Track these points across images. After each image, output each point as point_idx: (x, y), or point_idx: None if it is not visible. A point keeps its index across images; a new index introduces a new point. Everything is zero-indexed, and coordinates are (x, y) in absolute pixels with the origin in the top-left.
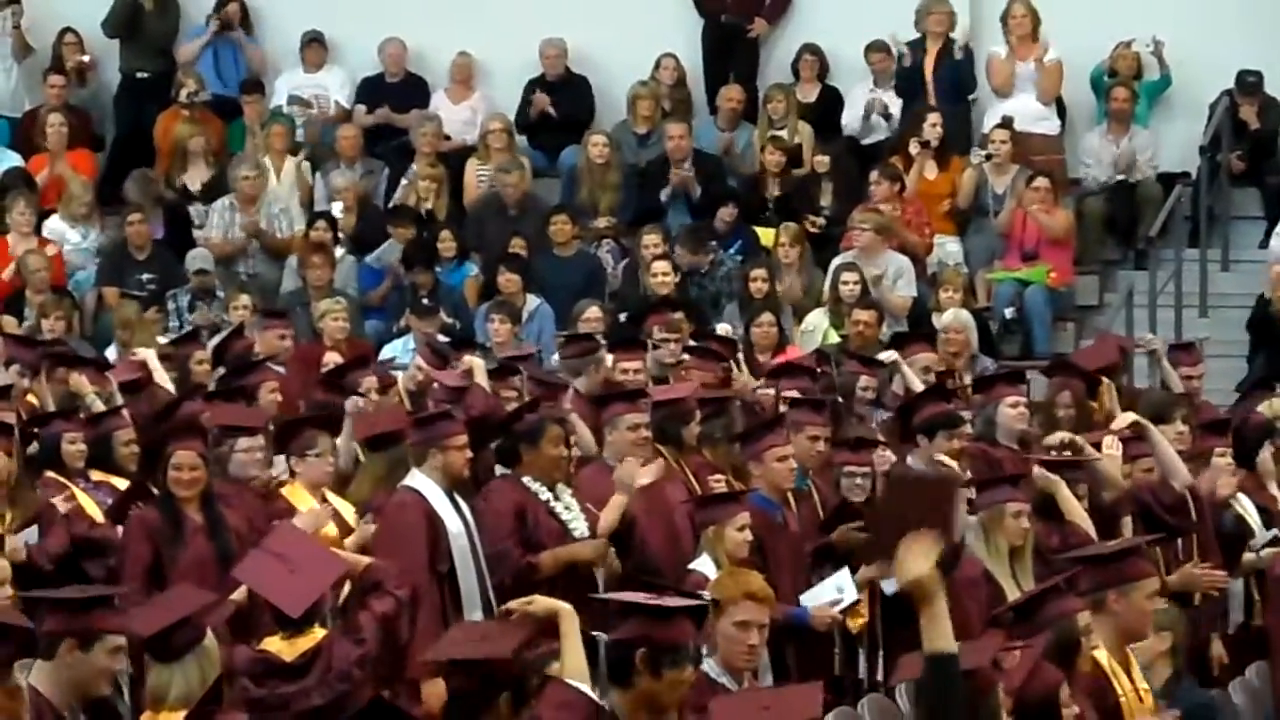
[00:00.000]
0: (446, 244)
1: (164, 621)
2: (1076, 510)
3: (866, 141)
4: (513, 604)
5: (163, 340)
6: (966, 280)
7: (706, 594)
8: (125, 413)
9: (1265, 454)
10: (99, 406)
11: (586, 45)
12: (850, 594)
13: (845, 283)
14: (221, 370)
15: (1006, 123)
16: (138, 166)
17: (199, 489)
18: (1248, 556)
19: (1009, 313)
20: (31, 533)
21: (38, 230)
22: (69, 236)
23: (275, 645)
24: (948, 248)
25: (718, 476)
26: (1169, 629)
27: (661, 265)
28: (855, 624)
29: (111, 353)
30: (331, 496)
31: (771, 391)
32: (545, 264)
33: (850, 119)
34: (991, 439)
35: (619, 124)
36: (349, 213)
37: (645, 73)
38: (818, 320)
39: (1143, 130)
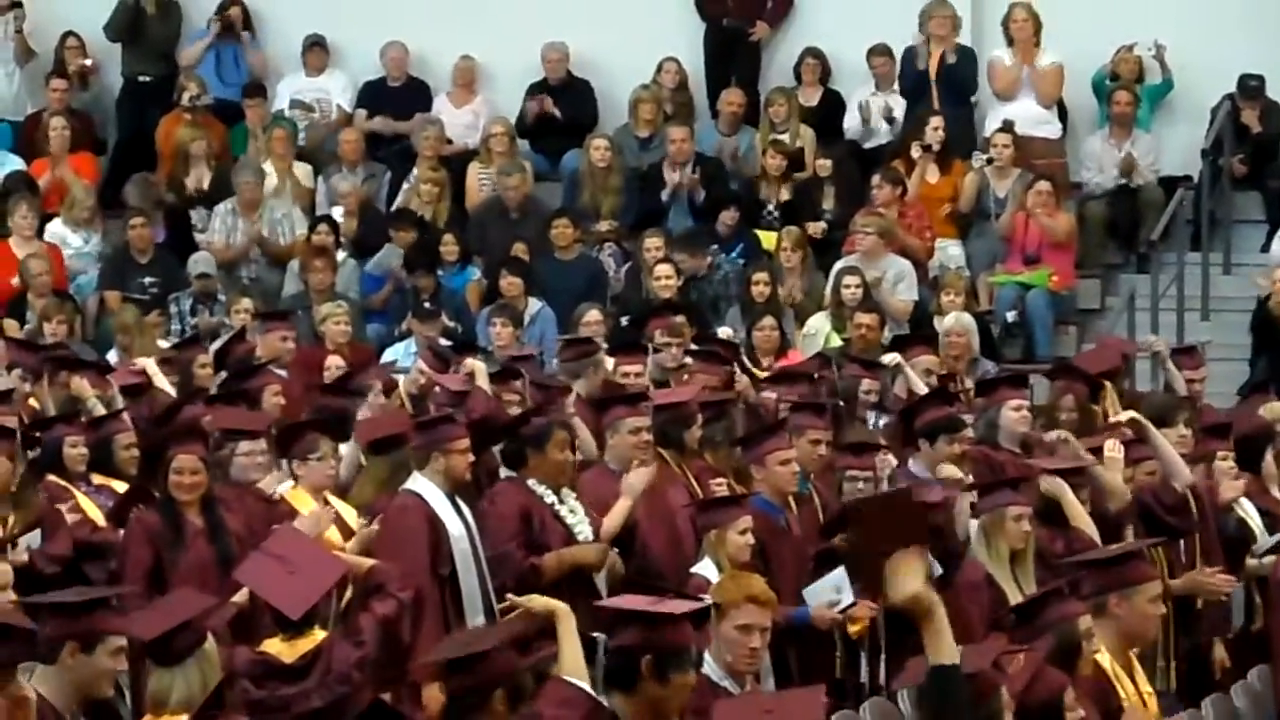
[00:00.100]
0: (449, 248)
1: (165, 625)
2: (1081, 515)
3: (868, 145)
4: (510, 599)
5: (164, 344)
6: (968, 284)
7: (707, 597)
8: (126, 416)
9: (1268, 458)
10: (100, 410)
11: (588, 49)
12: (847, 596)
13: (847, 286)
14: (223, 374)
15: (1008, 126)
16: (140, 170)
17: (200, 493)
18: (1250, 562)
19: (1010, 316)
20: (34, 537)
21: (40, 234)
22: (71, 240)
23: (275, 647)
24: (949, 251)
25: (719, 480)
26: None
27: (664, 269)
28: (856, 628)
29: (113, 356)
30: (334, 500)
31: (774, 394)
32: (547, 267)
33: (852, 122)
34: (994, 442)
35: (621, 127)
36: (350, 216)
37: (647, 76)
38: (819, 324)
39: (1144, 134)
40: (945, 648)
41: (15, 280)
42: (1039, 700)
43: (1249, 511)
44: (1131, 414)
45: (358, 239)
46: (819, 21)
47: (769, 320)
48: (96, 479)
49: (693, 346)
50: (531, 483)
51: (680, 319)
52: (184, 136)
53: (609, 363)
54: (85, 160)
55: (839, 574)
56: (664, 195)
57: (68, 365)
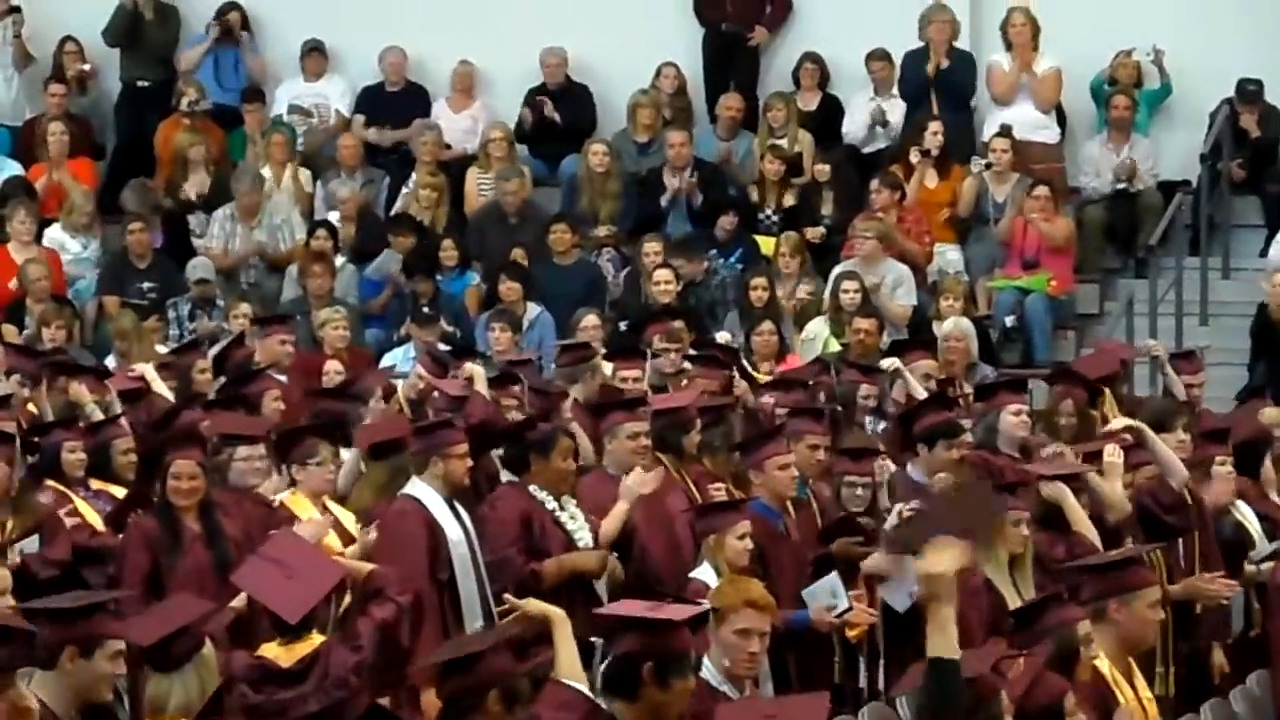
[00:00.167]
0: (448, 253)
1: (163, 631)
2: (1083, 520)
3: (867, 150)
4: (509, 599)
5: (163, 349)
6: (967, 288)
7: (705, 602)
8: (124, 422)
9: (1267, 463)
10: (98, 415)
11: (587, 54)
12: (842, 602)
13: (845, 291)
14: (222, 379)
15: (1006, 131)
16: (138, 175)
17: (197, 498)
18: (1248, 568)
19: (1009, 321)
20: (32, 542)
21: (38, 239)
22: (69, 245)
23: (273, 651)
24: (948, 256)
25: (718, 485)
26: None
27: (663, 274)
28: (854, 632)
29: (111, 362)
30: (333, 505)
31: (772, 400)
32: (545, 273)
33: (851, 127)
34: (993, 447)
35: (619, 132)
36: (348, 222)
37: (646, 81)
38: (818, 329)
39: (1143, 139)
40: (947, 642)
41: (14, 285)
42: (1039, 705)
43: (1247, 516)
44: (1127, 421)
45: (356, 244)
46: (818, 26)
47: (768, 325)
48: (95, 484)
49: (691, 351)
50: (533, 488)
51: (679, 324)
52: (182, 142)
53: (607, 368)
54: (84, 165)
55: (833, 578)
56: (664, 201)
57: (66, 370)
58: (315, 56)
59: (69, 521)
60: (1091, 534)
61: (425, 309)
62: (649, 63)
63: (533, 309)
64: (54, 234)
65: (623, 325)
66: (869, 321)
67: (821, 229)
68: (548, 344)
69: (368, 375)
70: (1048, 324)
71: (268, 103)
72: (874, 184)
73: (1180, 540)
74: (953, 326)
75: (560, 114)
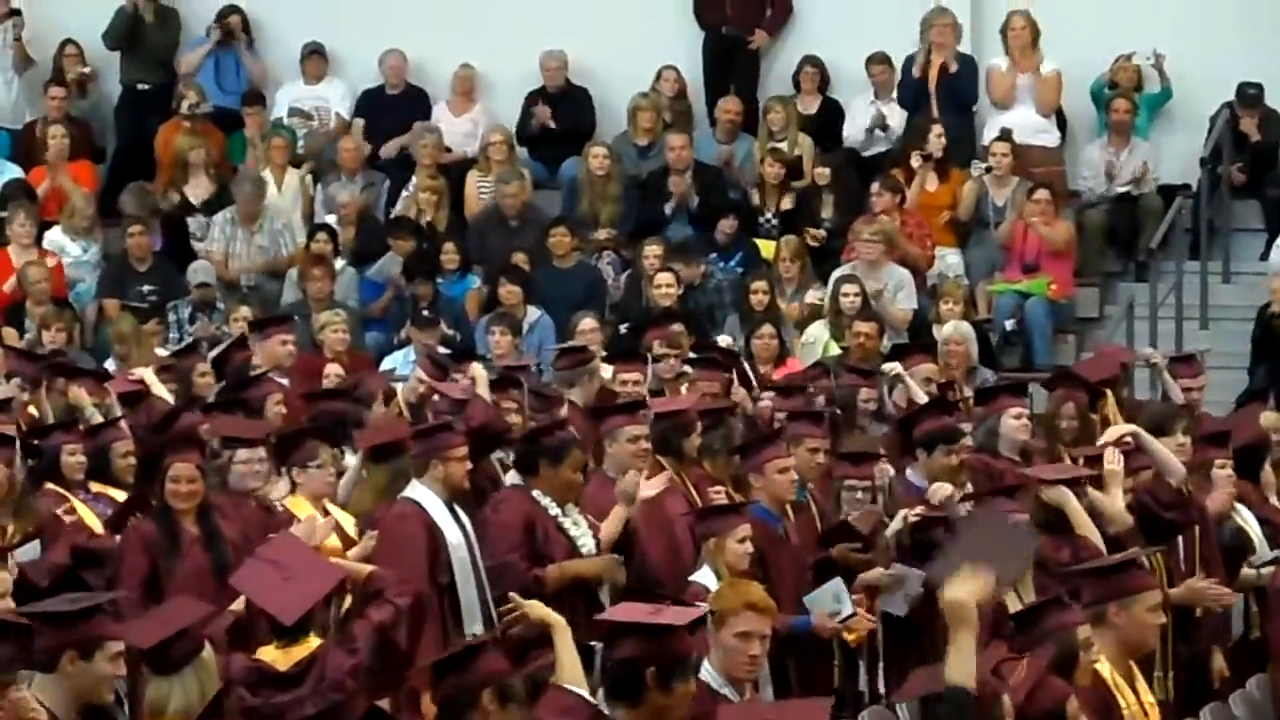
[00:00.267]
0: (449, 256)
1: (163, 634)
2: (1086, 524)
3: (867, 154)
4: (513, 598)
5: (163, 352)
6: (967, 292)
7: (703, 604)
8: (124, 424)
9: (1267, 467)
10: (98, 419)
11: (587, 57)
12: (846, 607)
13: (845, 295)
14: (223, 382)
15: (1006, 135)
16: (138, 178)
17: (196, 501)
18: (1247, 573)
19: (1009, 325)
20: (33, 548)
21: (38, 242)
22: (69, 249)
23: (270, 654)
24: (948, 260)
25: (718, 488)
26: None
27: (665, 277)
28: (854, 637)
29: (111, 365)
30: (333, 508)
31: (771, 404)
32: (545, 276)
33: (851, 131)
34: (993, 450)
35: (619, 135)
36: (348, 225)
37: (646, 84)
38: (818, 332)
39: (1143, 142)
40: (964, 668)
41: (13, 288)
42: (1042, 709)
43: (1248, 520)
44: (1124, 427)
45: (356, 247)
46: (818, 30)
47: (768, 329)
48: (94, 487)
49: (691, 355)
50: (537, 493)
51: (679, 328)
52: (183, 145)
53: (606, 371)
54: (84, 168)
55: (836, 583)
56: (668, 208)
57: (66, 373)
58: (315, 59)
59: (66, 519)
60: (1095, 537)
61: (425, 312)
62: (649, 66)
63: (533, 312)
64: (54, 237)
65: (623, 328)
66: (869, 325)
67: (822, 232)
68: (547, 347)
69: (367, 378)
70: (1048, 328)
71: (268, 106)
72: (875, 187)
73: (1180, 544)
74: (953, 330)
75: (560, 118)
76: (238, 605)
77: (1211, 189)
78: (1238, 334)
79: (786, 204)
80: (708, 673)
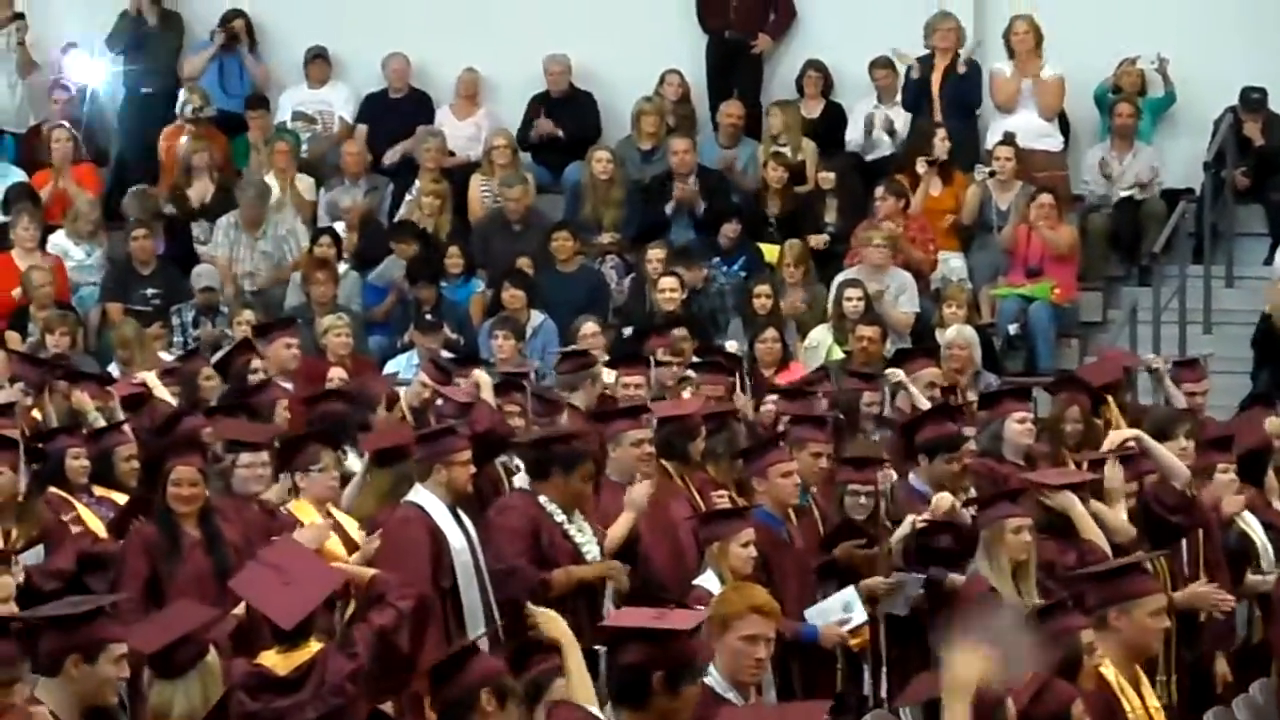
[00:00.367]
0: (454, 260)
1: (165, 639)
2: (1091, 528)
3: (870, 157)
4: (530, 610)
5: (166, 356)
6: (970, 296)
7: (703, 608)
8: (127, 428)
9: (1270, 471)
10: (101, 423)
11: (591, 61)
12: (859, 614)
13: (849, 299)
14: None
15: (1009, 139)
16: (142, 182)
17: (197, 505)
18: (1253, 578)
19: (1013, 329)
20: (37, 552)
21: (42, 246)
22: (73, 252)
23: (271, 659)
24: (951, 264)
25: (721, 492)
26: None
27: (669, 281)
28: (857, 641)
29: (115, 369)
30: (336, 512)
31: (772, 408)
32: (548, 280)
33: (854, 135)
34: (997, 455)
35: (623, 140)
36: (351, 229)
37: (649, 88)
38: (821, 336)
39: (1147, 147)
40: None
41: (17, 292)
42: (1047, 712)
43: (1252, 525)
44: (1127, 432)
45: (359, 251)
46: (821, 34)
47: (771, 333)
48: (98, 491)
49: (695, 359)
50: (543, 499)
51: (682, 332)
52: (186, 148)
53: (608, 375)
54: (87, 172)
55: (849, 592)
56: (668, 209)
57: (69, 378)
58: (319, 63)
59: (72, 529)
60: (1101, 541)
61: (428, 316)
62: (652, 70)
63: (536, 316)
64: (58, 240)
65: (627, 332)
66: (872, 329)
67: (825, 236)
68: (550, 351)
69: (370, 381)
70: (1051, 332)
71: (271, 110)
72: (879, 191)
73: (1185, 548)
74: (956, 334)
75: (564, 124)
76: (241, 609)
77: (1215, 193)
78: (1241, 338)
79: (790, 208)
80: (712, 677)
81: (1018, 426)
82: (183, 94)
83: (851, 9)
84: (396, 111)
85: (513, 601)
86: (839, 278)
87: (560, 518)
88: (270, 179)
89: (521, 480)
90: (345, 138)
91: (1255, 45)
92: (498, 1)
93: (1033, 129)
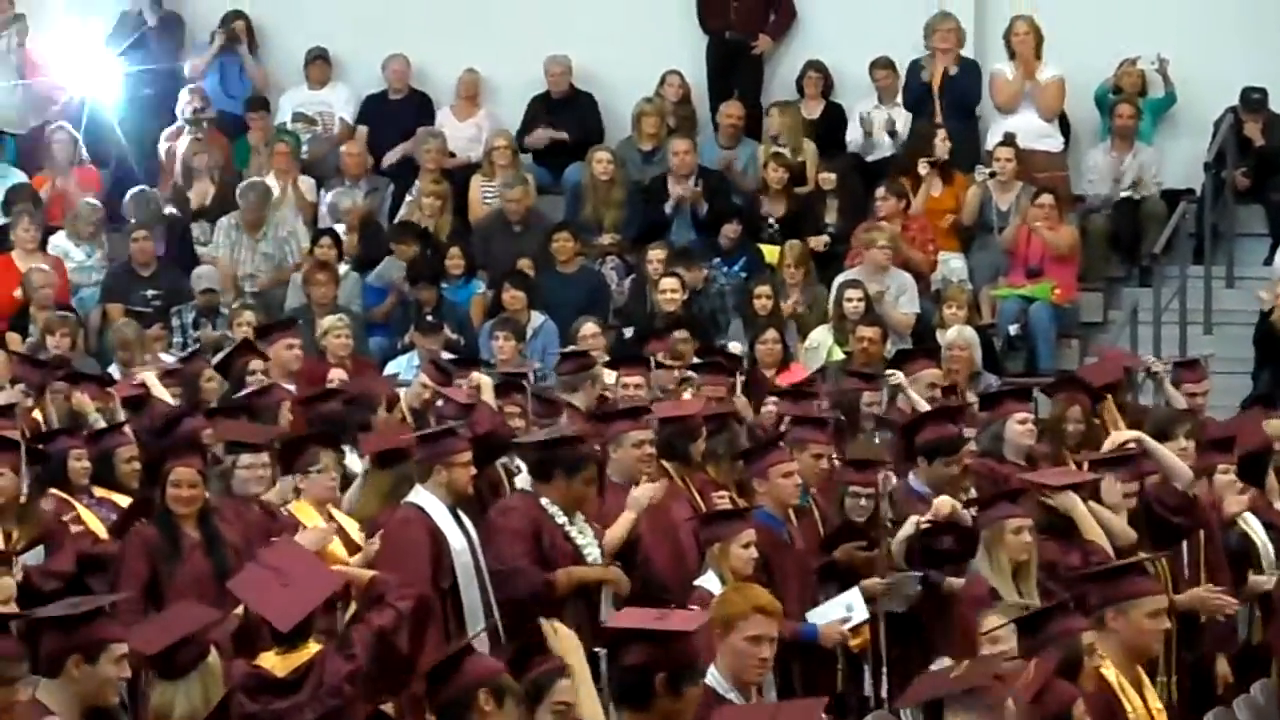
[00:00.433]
0: (454, 261)
1: (167, 640)
2: (1093, 529)
3: (870, 158)
4: (545, 624)
5: (167, 357)
6: (970, 297)
7: (707, 608)
8: (128, 430)
9: (1271, 472)
10: (101, 424)
11: (591, 62)
12: (860, 612)
13: (849, 299)
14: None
15: (1010, 139)
16: (142, 184)
17: (197, 506)
18: (1255, 578)
19: (1013, 330)
20: (37, 554)
21: (42, 247)
22: (73, 254)
23: (270, 661)
24: (952, 264)
25: (722, 493)
26: None
27: (669, 282)
28: (857, 641)
29: (115, 370)
30: (337, 514)
31: (773, 409)
32: (549, 281)
33: (854, 135)
34: (998, 455)
35: (624, 141)
36: (351, 230)
37: (650, 89)
38: (822, 337)
39: (1147, 147)
40: None
41: (18, 293)
42: (1049, 713)
43: (1253, 526)
44: (1129, 434)
45: (360, 252)
46: (821, 34)
47: (771, 334)
48: (98, 492)
49: (696, 360)
50: (545, 501)
51: (682, 335)
52: (187, 150)
53: (608, 376)
54: (88, 173)
55: (853, 593)
56: (668, 209)
57: (69, 379)
58: (319, 64)
59: (73, 530)
60: (1104, 542)
61: (429, 317)
62: (653, 71)
63: (536, 317)
64: (58, 242)
65: (627, 333)
66: (872, 330)
67: (825, 237)
68: (550, 353)
69: (368, 382)
70: (1051, 333)
71: (272, 111)
72: (880, 191)
73: (1185, 549)
74: (956, 335)
75: (565, 125)
76: (241, 610)
77: (1215, 194)
78: (1241, 339)
79: (790, 209)
80: (713, 678)
81: (1019, 427)
82: (183, 95)
83: (851, 10)
84: (397, 113)
85: (513, 601)
86: (839, 278)
87: (561, 519)
88: (271, 180)
89: (523, 481)
90: (346, 139)
91: (1255, 45)
92: (498, 3)
93: (1033, 130)
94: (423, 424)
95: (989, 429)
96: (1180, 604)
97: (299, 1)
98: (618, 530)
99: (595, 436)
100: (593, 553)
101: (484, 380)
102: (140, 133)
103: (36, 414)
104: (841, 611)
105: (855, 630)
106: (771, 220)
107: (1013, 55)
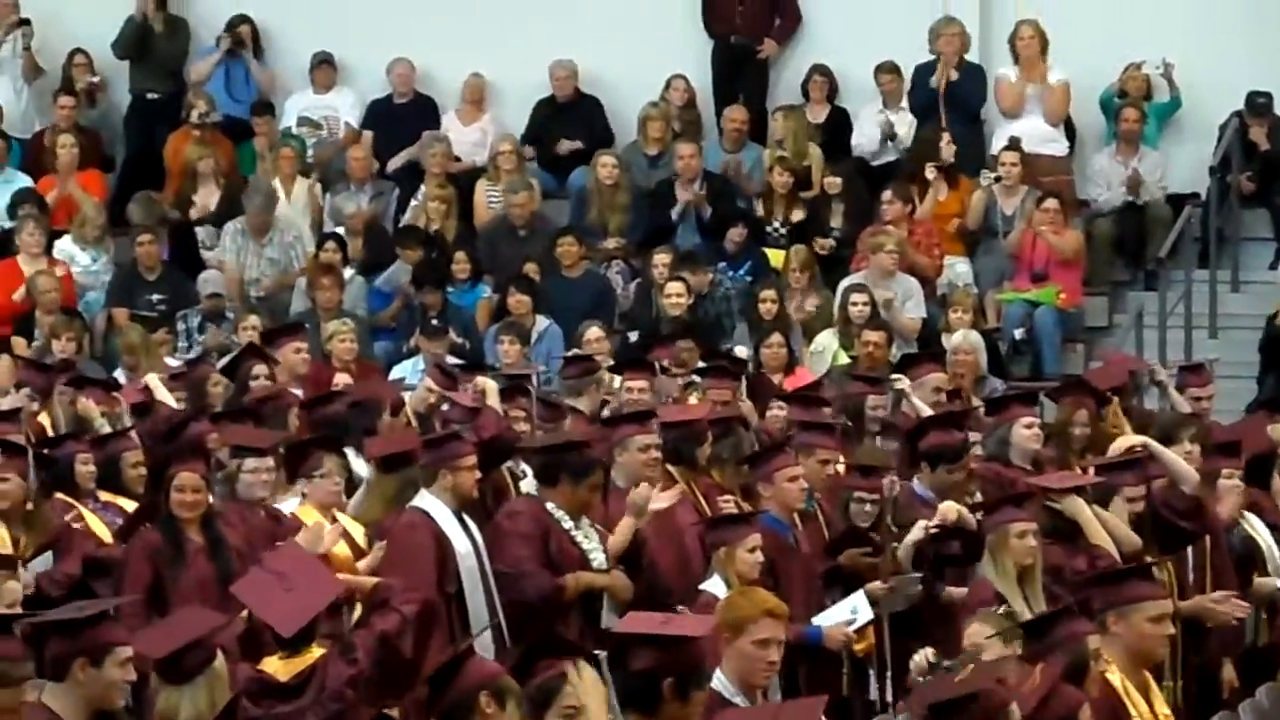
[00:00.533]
0: (460, 265)
1: (173, 645)
2: (1099, 533)
3: (876, 163)
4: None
5: (173, 362)
6: (976, 301)
7: (712, 614)
8: (134, 434)
9: (1276, 476)
10: (107, 429)
11: (597, 66)
12: (865, 614)
13: (854, 304)
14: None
15: (1015, 144)
16: (147, 188)
17: (200, 511)
18: (1261, 581)
19: (1018, 334)
20: (45, 559)
21: (48, 251)
22: (79, 258)
23: (273, 665)
24: (957, 269)
25: (728, 497)
26: None
27: (675, 286)
28: (862, 645)
29: (120, 374)
30: (342, 517)
31: (780, 412)
32: (554, 285)
33: (860, 140)
34: (1004, 460)
35: (629, 145)
36: (356, 234)
37: (655, 94)
38: (827, 341)
39: (1152, 151)
40: None
41: (23, 296)
42: (1055, 717)
43: (1258, 529)
44: (1135, 438)
45: (365, 256)
46: (827, 39)
47: (777, 338)
48: (104, 496)
49: (701, 364)
50: (550, 505)
51: (686, 342)
52: (192, 154)
53: (613, 380)
54: (93, 177)
55: (858, 596)
56: (674, 213)
57: (75, 383)
58: (324, 69)
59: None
60: (1109, 546)
61: (434, 321)
62: (658, 75)
63: (541, 321)
64: (63, 246)
65: (632, 337)
66: (878, 334)
67: (831, 241)
68: (555, 356)
69: (373, 386)
70: (1057, 337)
71: (277, 115)
72: (886, 196)
73: (1191, 554)
74: (961, 339)
75: (573, 131)
76: (244, 615)
77: (1220, 198)
78: (1247, 343)
79: (796, 213)
80: (719, 681)
81: (1025, 432)
82: (188, 99)
83: (857, 14)
84: (402, 117)
85: (519, 604)
86: (845, 283)
87: (568, 524)
88: (276, 184)
89: (528, 486)
90: (351, 143)
91: (1261, 50)
92: (503, 7)
93: (1038, 134)
94: (428, 428)
95: (994, 433)
96: (1186, 611)
97: (304, 6)
98: (620, 535)
99: (600, 441)
100: (598, 557)
101: (489, 384)
102: (145, 137)
103: (42, 418)
104: (846, 614)
105: (860, 633)
106: (777, 224)
107: (1017, 59)
